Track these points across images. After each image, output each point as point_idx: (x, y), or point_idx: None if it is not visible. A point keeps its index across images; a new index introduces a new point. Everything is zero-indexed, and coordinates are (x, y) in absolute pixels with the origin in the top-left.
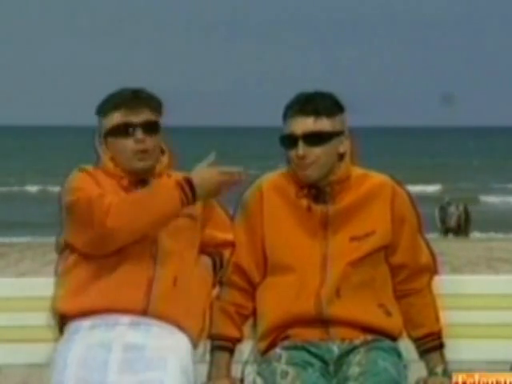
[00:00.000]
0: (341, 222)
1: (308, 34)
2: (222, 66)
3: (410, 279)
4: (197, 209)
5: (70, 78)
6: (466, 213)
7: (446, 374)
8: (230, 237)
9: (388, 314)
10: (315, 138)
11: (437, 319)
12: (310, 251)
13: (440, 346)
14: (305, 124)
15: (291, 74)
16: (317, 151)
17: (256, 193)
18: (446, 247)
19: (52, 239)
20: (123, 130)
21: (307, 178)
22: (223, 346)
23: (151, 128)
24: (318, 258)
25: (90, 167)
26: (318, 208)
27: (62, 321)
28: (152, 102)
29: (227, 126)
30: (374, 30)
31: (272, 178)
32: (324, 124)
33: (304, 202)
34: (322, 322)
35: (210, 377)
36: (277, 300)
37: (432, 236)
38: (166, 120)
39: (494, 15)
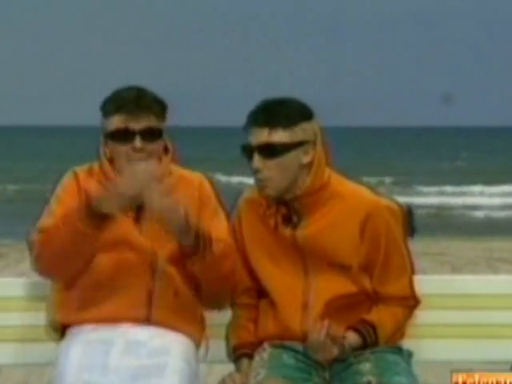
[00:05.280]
0: (314, 249)
1: (308, 33)
2: (225, 67)
3: (381, 304)
4: (191, 212)
5: (72, 78)
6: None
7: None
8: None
9: None
10: (269, 151)
11: (384, 324)
12: (290, 282)
13: (358, 331)
14: (259, 136)
15: (292, 74)
16: (271, 164)
17: (236, 209)
18: (446, 247)
19: None
20: (121, 136)
21: (265, 195)
22: (240, 353)
23: (152, 135)
24: (299, 289)
25: (84, 169)
26: (287, 231)
27: (63, 327)
28: (155, 107)
29: (229, 126)
30: (374, 29)
31: (250, 192)
32: (279, 136)
33: (272, 223)
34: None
35: None
36: (264, 328)
37: None
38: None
39: (494, 15)
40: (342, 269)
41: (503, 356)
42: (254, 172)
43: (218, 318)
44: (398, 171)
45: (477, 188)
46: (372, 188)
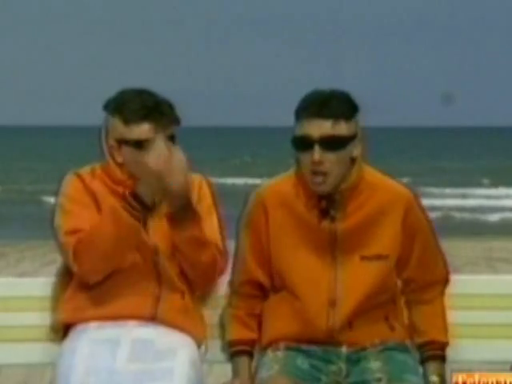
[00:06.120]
0: (350, 241)
1: (307, 34)
2: (225, 67)
3: (419, 291)
4: None
5: (73, 78)
6: None
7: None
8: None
9: (391, 328)
10: (332, 143)
11: (443, 330)
12: (317, 275)
13: (440, 357)
14: (322, 127)
15: (290, 74)
16: (332, 157)
17: (259, 206)
18: (446, 247)
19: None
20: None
21: (321, 191)
22: (239, 350)
23: (173, 141)
24: (325, 284)
25: (87, 171)
26: (326, 225)
27: (66, 327)
28: (174, 114)
29: (233, 126)
30: (373, 29)
31: (275, 188)
32: (342, 128)
33: (313, 217)
34: (332, 344)
35: None
36: (282, 324)
37: None
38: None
39: (494, 15)
40: (378, 260)
41: (503, 356)
42: (313, 164)
43: (218, 318)
44: (397, 172)
45: (477, 189)
46: (391, 175)
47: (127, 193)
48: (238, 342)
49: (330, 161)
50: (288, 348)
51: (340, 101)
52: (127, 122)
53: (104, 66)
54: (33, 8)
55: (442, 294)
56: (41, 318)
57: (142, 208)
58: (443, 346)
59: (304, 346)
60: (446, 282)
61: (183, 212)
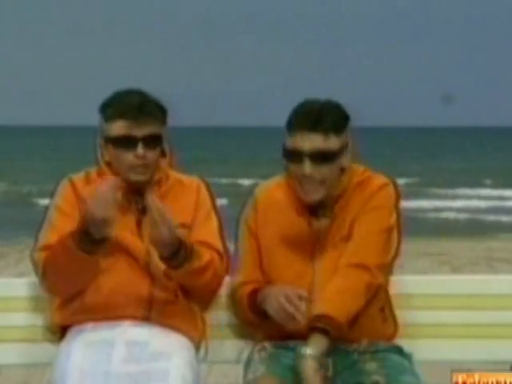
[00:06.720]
0: (331, 238)
1: (307, 34)
2: (223, 67)
3: (341, 269)
4: (188, 216)
5: (71, 78)
6: None
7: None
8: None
9: (384, 319)
10: (322, 157)
11: (340, 309)
12: (300, 273)
13: (325, 332)
14: (313, 142)
15: (290, 74)
16: (324, 170)
17: (252, 207)
18: (446, 247)
19: None
20: (124, 143)
21: (310, 201)
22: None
23: (153, 141)
24: (306, 280)
25: (80, 177)
26: (315, 227)
27: (63, 328)
28: (157, 113)
29: (231, 126)
30: (373, 29)
31: (268, 191)
32: (333, 142)
33: (303, 219)
34: None
35: None
36: (268, 323)
37: None
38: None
39: (494, 15)
40: (342, 242)
41: (503, 356)
42: (303, 177)
43: (218, 318)
44: (397, 172)
45: (477, 190)
46: (377, 171)
47: (120, 194)
48: (254, 292)
49: (320, 173)
50: (274, 346)
51: (332, 115)
52: (107, 119)
53: (104, 66)
54: (33, 8)
55: (364, 282)
56: (41, 318)
57: (92, 243)
58: (333, 322)
59: (290, 343)
60: (371, 273)
61: (175, 256)
